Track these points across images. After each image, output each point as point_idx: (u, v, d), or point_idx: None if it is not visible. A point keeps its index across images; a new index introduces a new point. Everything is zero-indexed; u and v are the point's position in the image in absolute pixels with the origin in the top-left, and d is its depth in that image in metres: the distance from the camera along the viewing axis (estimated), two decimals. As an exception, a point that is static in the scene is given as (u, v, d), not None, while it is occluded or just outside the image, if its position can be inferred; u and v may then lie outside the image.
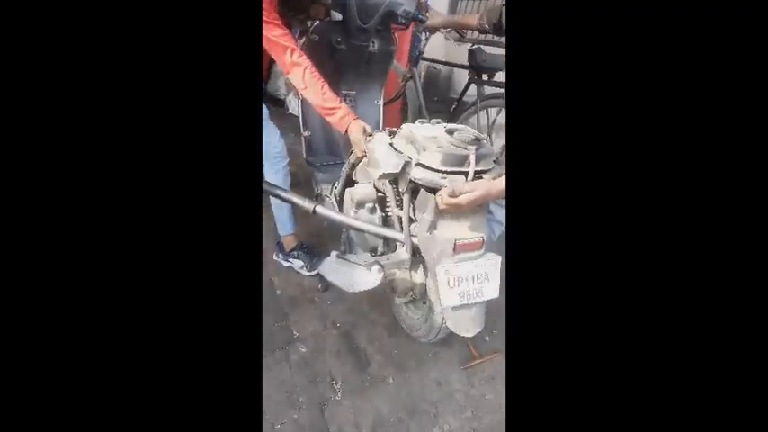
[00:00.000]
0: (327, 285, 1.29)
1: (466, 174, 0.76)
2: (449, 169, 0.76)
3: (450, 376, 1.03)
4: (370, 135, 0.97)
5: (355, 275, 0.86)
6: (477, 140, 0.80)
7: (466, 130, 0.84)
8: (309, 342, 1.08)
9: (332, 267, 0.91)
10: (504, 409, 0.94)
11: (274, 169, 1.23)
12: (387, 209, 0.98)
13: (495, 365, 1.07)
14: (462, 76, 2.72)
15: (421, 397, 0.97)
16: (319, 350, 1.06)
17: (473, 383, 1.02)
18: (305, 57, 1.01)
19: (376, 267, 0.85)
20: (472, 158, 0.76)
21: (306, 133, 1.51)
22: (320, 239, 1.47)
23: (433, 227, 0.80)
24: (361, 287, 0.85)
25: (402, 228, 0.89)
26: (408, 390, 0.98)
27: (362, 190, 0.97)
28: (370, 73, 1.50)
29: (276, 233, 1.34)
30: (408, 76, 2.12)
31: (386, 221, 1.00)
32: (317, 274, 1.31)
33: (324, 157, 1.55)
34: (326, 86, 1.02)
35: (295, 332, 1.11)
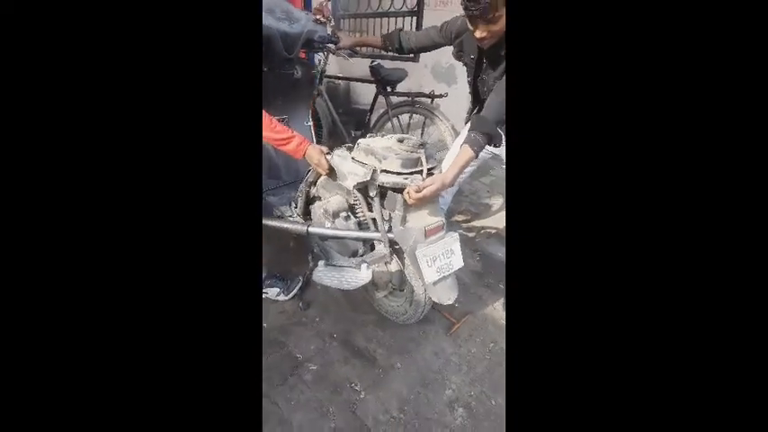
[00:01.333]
0: (308, 304, 1.33)
1: (421, 172, 0.95)
2: (408, 171, 0.94)
3: (442, 345, 1.21)
4: (329, 153, 1.07)
5: (348, 276, 0.96)
6: (422, 144, 0.99)
7: (411, 138, 1.02)
8: (316, 359, 1.13)
9: (325, 275, 0.99)
10: (489, 357, 1.18)
11: None
12: (358, 214, 1.10)
13: (469, 326, 1.30)
14: (359, 88, 2.97)
15: (427, 369, 1.13)
16: (328, 363, 1.12)
17: (459, 344, 1.23)
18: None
19: (364, 265, 0.97)
20: (423, 159, 0.95)
21: None
22: (277, 264, 1.48)
23: (404, 220, 0.97)
24: (357, 284, 0.97)
25: (377, 228, 1.03)
26: (415, 367, 1.13)
27: (335, 201, 1.07)
28: (297, 97, 1.57)
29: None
30: (316, 93, 2.23)
31: (360, 226, 1.12)
32: (294, 296, 1.34)
33: (267, 182, 1.56)
34: (275, 120, 1.08)
35: (298, 355, 1.14)
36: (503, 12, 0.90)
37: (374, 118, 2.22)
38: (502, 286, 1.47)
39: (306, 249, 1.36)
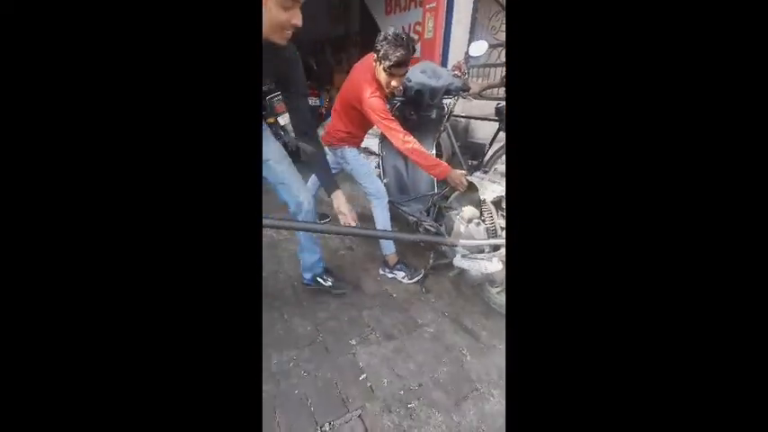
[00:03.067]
0: (429, 289, 1.69)
1: None
2: None
3: (540, 342, 1.40)
4: (467, 176, 1.45)
5: (483, 264, 1.28)
6: None
7: None
8: (433, 325, 1.46)
9: (465, 262, 1.33)
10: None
11: (381, 207, 1.69)
12: (486, 221, 1.42)
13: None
14: (476, 125, 3.34)
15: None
16: (442, 330, 1.44)
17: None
18: (410, 135, 1.51)
19: (495, 258, 1.27)
20: None
21: (385, 180, 2.02)
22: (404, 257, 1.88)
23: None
24: (490, 270, 1.27)
25: (503, 231, 1.32)
26: (513, 352, 1.35)
27: (469, 211, 1.42)
28: (426, 132, 2.05)
29: (380, 253, 1.77)
30: (442, 129, 2.69)
31: (487, 231, 1.44)
32: (417, 281, 1.72)
33: (400, 197, 2.04)
34: (426, 153, 1.52)
35: (419, 320, 1.49)
36: None
37: (491, 150, 2.55)
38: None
39: (430, 248, 1.74)
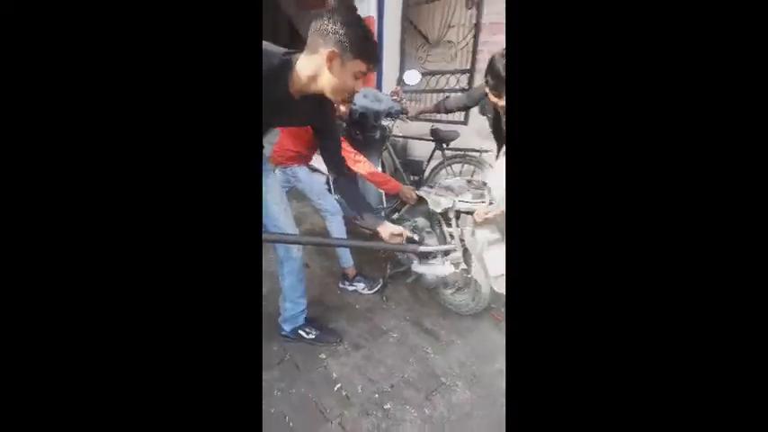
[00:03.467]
0: (389, 297, 1.78)
1: (485, 201, 1.42)
2: (477, 201, 1.42)
3: (490, 334, 1.57)
4: (417, 190, 1.60)
5: (437, 269, 1.41)
6: (484, 184, 1.48)
7: (475, 180, 1.52)
8: (397, 331, 1.55)
9: (420, 267, 1.45)
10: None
11: (337, 223, 1.76)
12: (436, 230, 1.58)
13: (512, 323, 1.66)
14: (414, 144, 3.63)
15: (479, 347, 1.49)
16: (405, 333, 1.53)
17: (504, 335, 1.58)
18: (360, 155, 1.62)
19: (447, 262, 1.42)
20: (487, 192, 1.44)
21: (336, 197, 2.10)
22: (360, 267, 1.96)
23: (472, 233, 1.43)
24: (443, 273, 1.41)
25: (452, 238, 1.49)
26: (470, 345, 1.50)
27: (421, 221, 1.57)
28: (372, 150, 2.20)
29: (339, 267, 1.82)
30: (384, 148, 2.89)
31: (438, 239, 1.60)
32: (376, 291, 1.80)
33: (351, 212, 2.13)
34: (377, 171, 1.65)
35: (383, 327, 1.56)
36: None
37: (429, 167, 2.80)
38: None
39: (387, 259, 1.84)
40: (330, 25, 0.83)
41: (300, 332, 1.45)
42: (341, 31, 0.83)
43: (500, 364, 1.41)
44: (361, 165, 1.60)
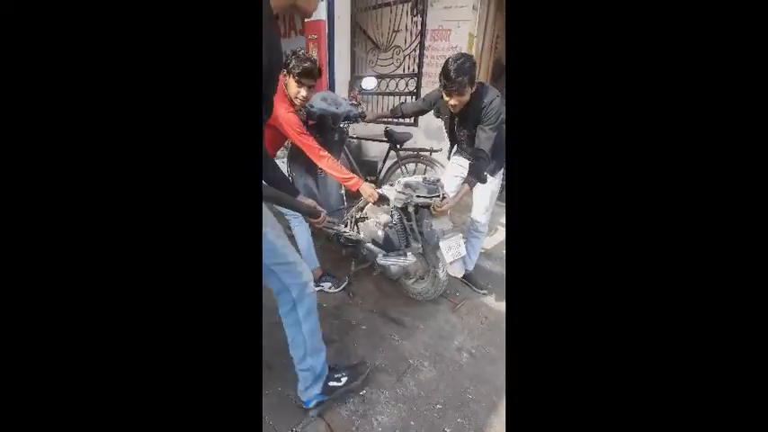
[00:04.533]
0: (353, 294, 1.86)
1: (439, 196, 1.57)
2: (432, 195, 1.56)
3: (449, 317, 1.73)
4: (379, 188, 1.70)
5: (399, 260, 1.53)
6: (438, 180, 1.63)
7: (430, 177, 1.66)
8: (365, 323, 1.64)
9: (385, 261, 1.55)
10: (482, 325, 1.70)
11: (301, 226, 1.80)
12: (396, 225, 1.70)
13: (467, 307, 1.84)
14: (368, 145, 3.74)
15: (440, 329, 1.64)
16: (374, 325, 1.63)
17: (461, 317, 1.75)
18: (324, 150, 1.68)
19: (409, 254, 1.54)
20: (440, 188, 1.58)
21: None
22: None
23: (429, 225, 1.57)
24: (406, 264, 1.53)
25: (413, 232, 1.62)
26: (433, 328, 1.64)
27: (384, 218, 1.67)
28: (333, 151, 2.26)
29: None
30: (342, 150, 2.95)
31: (398, 233, 1.71)
32: (343, 289, 1.87)
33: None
34: (341, 165, 1.71)
35: (352, 321, 1.65)
36: (469, 90, 1.51)
37: (385, 167, 2.92)
38: (489, 285, 2.02)
39: (353, 256, 1.92)
40: None
41: (330, 384, 1.18)
42: None
43: (458, 341, 1.57)
44: (325, 160, 1.65)
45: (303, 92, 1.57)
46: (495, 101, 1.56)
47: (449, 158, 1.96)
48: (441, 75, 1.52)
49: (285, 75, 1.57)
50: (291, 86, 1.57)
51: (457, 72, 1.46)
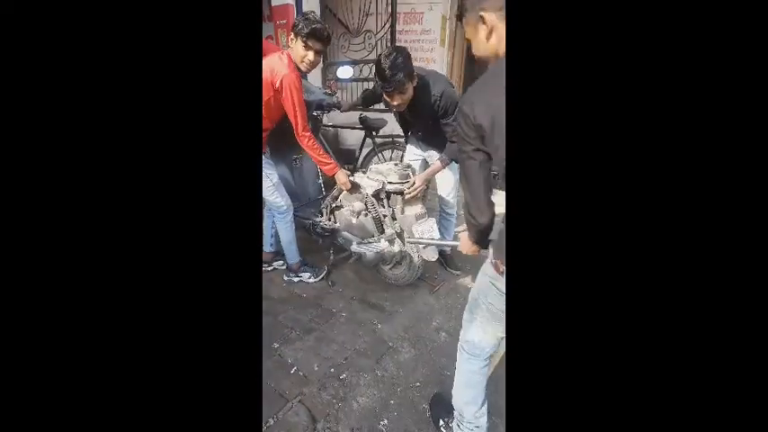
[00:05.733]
0: (333, 282, 1.87)
1: (409, 181, 1.58)
2: (403, 181, 1.57)
3: (428, 299, 1.78)
4: (352, 176, 1.70)
5: (374, 246, 1.55)
6: (408, 166, 1.64)
7: (401, 164, 1.67)
8: (345, 310, 1.66)
9: (360, 248, 1.57)
10: (460, 306, 1.75)
11: (286, 221, 1.78)
12: (371, 212, 1.71)
13: (446, 289, 1.88)
14: (345, 133, 3.70)
15: (419, 312, 1.68)
16: (354, 311, 1.66)
17: (440, 299, 1.80)
18: (309, 131, 1.62)
19: (383, 240, 1.56)
20: (411, 174, 1.59)
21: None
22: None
23: (402, 211, 1.59)
24: (380, 249, 1.55)
25: (385, 218, 1.64)
26: (411, 311, 1.68)
27: (358, 205, 1.67)
28: None
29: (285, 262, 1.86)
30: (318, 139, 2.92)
31: (374, 219, 1.72)
32: (322, 278, 1.89)
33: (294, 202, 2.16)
34: (321, 149, 1.68)
35: (333, 309, 1.67)
36: (410, 85, 1.39)
37: (362, 154, 2.90)
38: (467, 267, 2.08)
39: (328, 246, 1.93)
40: None
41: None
42: None
43: (436, 322, 1.62)
44: (307, 138, 1.58)
45: (310, 56, 1.47)
46: (446, 91, 1.48)
47: (407, 143, 1.91)
48: (375, 75, 1.41)
49: (292, 38, 1.47)
50: (298, 49, 1.47)
51: (391, 69, 1.36)
